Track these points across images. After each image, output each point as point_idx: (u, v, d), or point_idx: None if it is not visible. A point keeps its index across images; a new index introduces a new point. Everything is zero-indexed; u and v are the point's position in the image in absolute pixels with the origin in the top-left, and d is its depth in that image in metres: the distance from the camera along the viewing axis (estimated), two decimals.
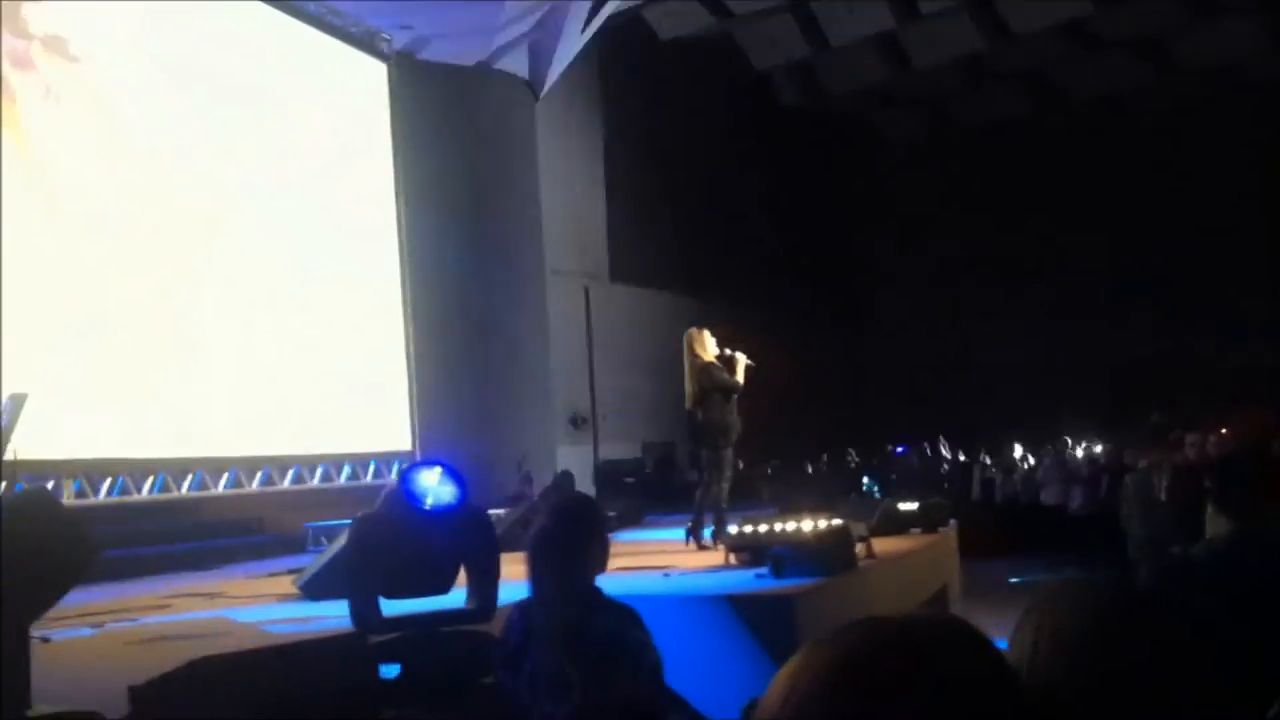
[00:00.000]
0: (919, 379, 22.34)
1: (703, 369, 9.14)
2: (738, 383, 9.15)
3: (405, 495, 4.28)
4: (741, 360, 9.28)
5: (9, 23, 9.67)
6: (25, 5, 9.92)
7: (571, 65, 16.61)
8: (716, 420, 9.11)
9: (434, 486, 4.30)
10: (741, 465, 11.80)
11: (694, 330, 9.31)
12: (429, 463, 4.51)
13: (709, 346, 9.22)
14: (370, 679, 3.82)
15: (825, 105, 23.11)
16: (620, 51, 17.78)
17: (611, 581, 7.29)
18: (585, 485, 14.17)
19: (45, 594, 3.57)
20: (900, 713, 1.01)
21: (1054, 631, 1.28)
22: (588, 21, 16.06)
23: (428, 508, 4.26)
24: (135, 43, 11.10)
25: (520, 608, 3.46)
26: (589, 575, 3.48)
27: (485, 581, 4.26)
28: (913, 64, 21.37)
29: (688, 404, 9.22)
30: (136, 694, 3.47)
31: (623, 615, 3.42)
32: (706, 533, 9.14)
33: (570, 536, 3.47)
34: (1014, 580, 12.17)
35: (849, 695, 1.02)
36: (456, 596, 4.37)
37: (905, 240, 24.08)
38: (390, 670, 4.04)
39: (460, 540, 4.27)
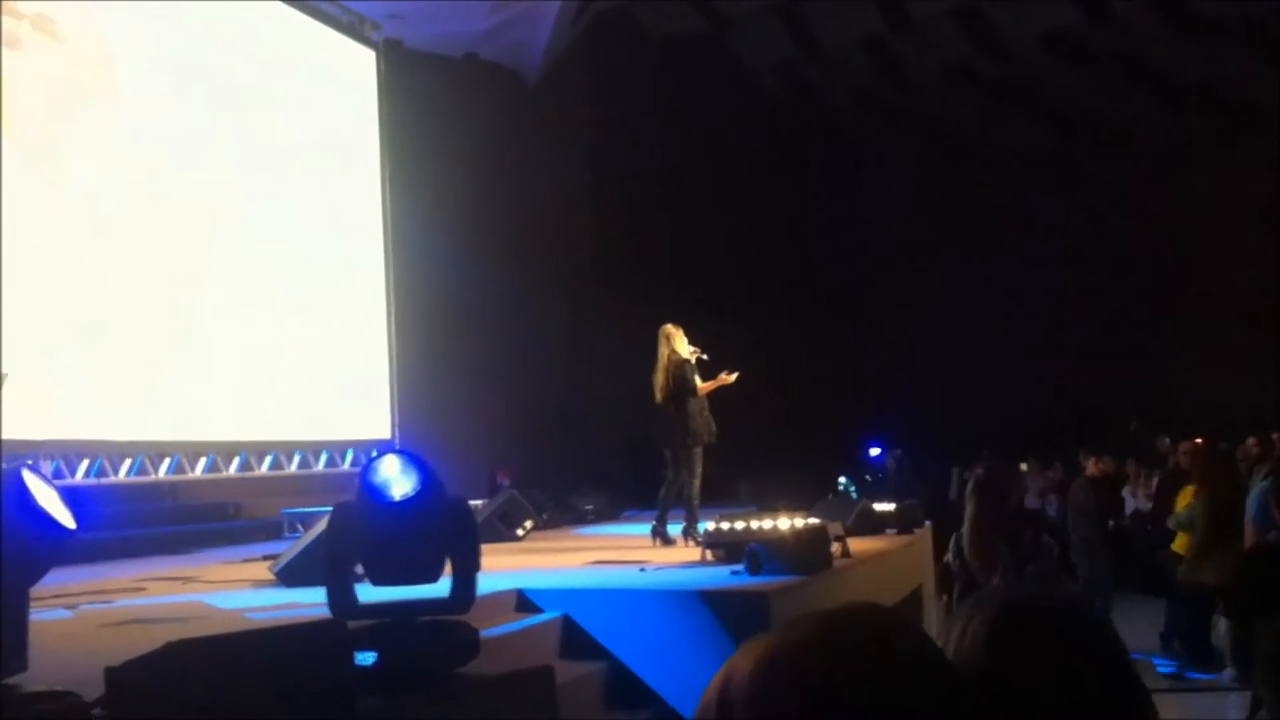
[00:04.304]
0: (900, 383, 22.42)
1: (678, 365, 9.19)
2: (695, 389, 9.19)
3: (366, 488, 4.28)
4: (727, 378, 9.35)
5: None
6: None
7: (559, 61, 16.59)
8: (684, 420, 9.16)
9: (395, 477, 4.29)
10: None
11: (670, 326, 9.36)
12: (386, 453, 4.52)
13: (684, 344, 9.28)
14: (346, 666, 3.83)
15: (814, 107, 23.13)
16: (609, 49, 17.76)
17: (589, 575, 7.36)
18: (565, 479, 14.18)
19: (21, 575, 3.58)
20: (837, 705, 1.05)
21: (958, 640, 1.37)
22: (577, 16, 16.06)
23: (397, 499, 4.26)
24: (123, 33, 11.08)
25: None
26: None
27: (464, 572, 4.28)
28: (901, 69, 21.43)
29: (657, 397, 9.27)
30: (112, 676, 3.47)
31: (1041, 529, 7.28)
32: (675, 529, 9.19)
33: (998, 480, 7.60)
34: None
35: (785, 688, 1.06)
36: (444, 585, 4.39)
37: (889, 244, 24.15)
38: (366, 658, 4.05)
39: (440, 529, 4.29)
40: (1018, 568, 8.23)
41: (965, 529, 8.54)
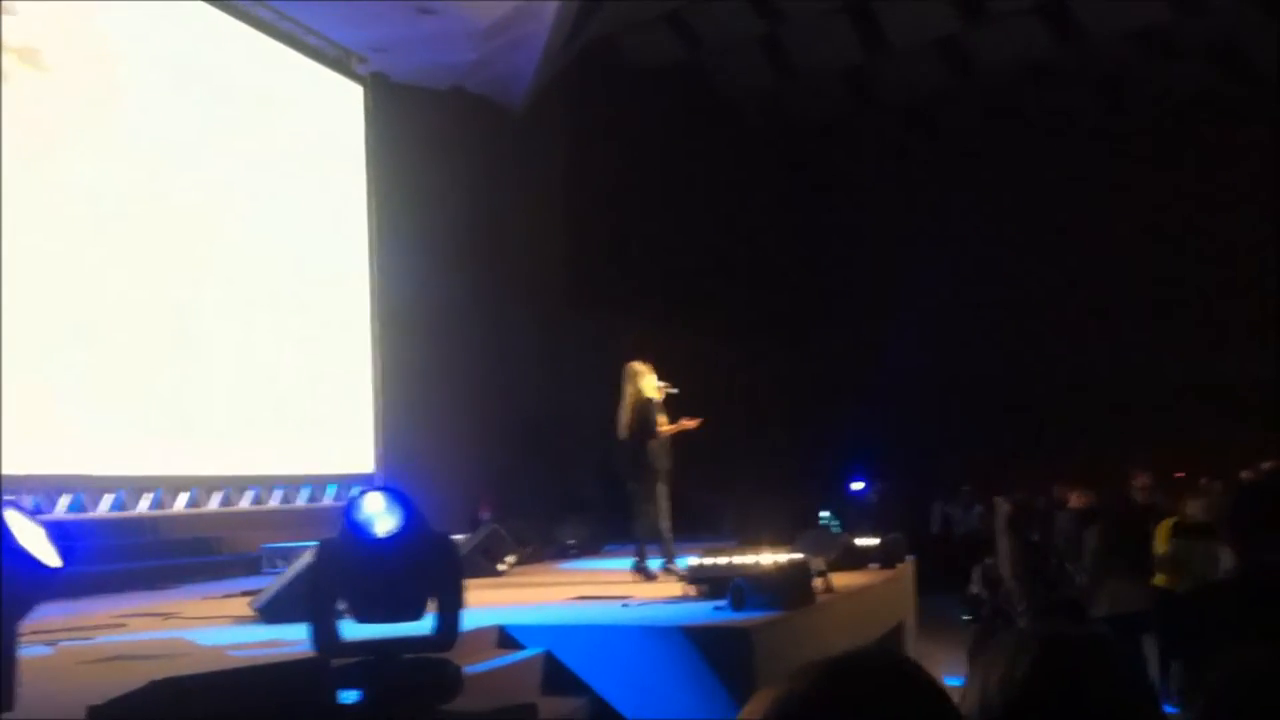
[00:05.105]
0: (882, 416, 22.45)
1: (642, 405, 9.23)
2: (656, 431, 9.24)
3: (349, 526, 4.28)
4: (690, 423, 9.41)
5: None
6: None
7: (544, 91, 16.69)
8: (646, 457, 9.20)
9: (379, 513, 4.30)
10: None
11: (637, 364, 9.40)
12: (370, 489, 4.52)
13: (651, 382, 9.32)
14: (330, 704, 3.83)
15: (792, 133, 23.31)
16: (590, 79, 17.87)
17: (571, 610, 7.35)
18: (547, 511, 14.15)
19: (4, 615, 3.57)
20: None
21: (1001, 677, 1.40)
22: (563, 47, 16.16)
23: (381, 535, 4.26)
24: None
25: None
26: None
27: (448, 609, 4.27)
28: (879, 95, 21.67)
29: (621, 433, 9.31)
30: (95, 713, 3.46)
31: None
32: (656, 564, 9.20)
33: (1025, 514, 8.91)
34: (966, 617, 12.23)
35: None
36: (427, 622, 4.39)
37: (872, 277, 24.22)
38: (350, 696, 4.04)
39: (425, 567, 4.29)
40: (1046, 594, 8.80)
41: (1003, 562, 9.16)
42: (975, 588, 10.29)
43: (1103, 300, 22.34)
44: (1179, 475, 14.97)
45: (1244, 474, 13.36)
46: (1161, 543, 9.73)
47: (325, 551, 4.44)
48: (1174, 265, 21.90)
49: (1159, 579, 9.75)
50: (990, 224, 22.95)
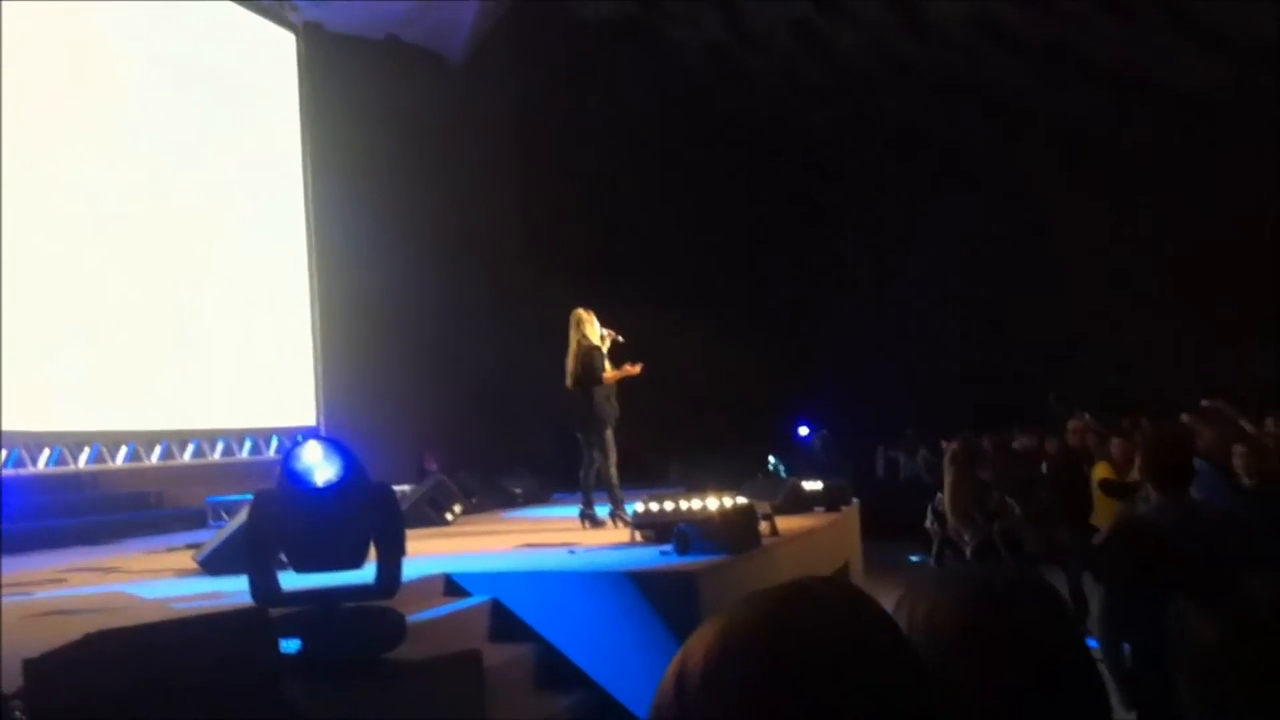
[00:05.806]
0: (827, 364, 22.58)
1: (586, 352, 9.20)
2: (601, 377, 9.19)
3: (288, 475, 4.25)
4: (632, 369, 9.38)
5: None
6: None
7: (485, 42, 16.48)
8: (592, 405, 9.18)
9: (318, 463, 4.26)
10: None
11: (581, 311, 9.35)
12: (309, 439, 4.49)
13: (595, 330, 9.28)
14: (270, 653, 3.80)
15: (743, 89, 23.18)
16: (535, 30, 17.66)
17: (517, 558, 7.35)
18: (494, 463, 14.13)
19: None
20: (795, 682, 1.04)
21: (927, 616, 1.38)
22: None
23: (320, 484, 4.23)
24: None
25: None
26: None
27: (389, 558, 4.26)
28: (832, 51, 21.58)
29: (568, 382, 9.28)
30: (31, 668, 3.42)
31: None
32: (602, 511, 9.22)
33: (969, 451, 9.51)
34: (914, 558, 12.40)
35: (741, 667, 1.05)
36: (369, 571, 4.37)
37: (817, 227, 24.26)
38: (290, 645, 4.02)
39: (364, 515, 4.26)
40: (987, 525, 9.32)
41: (945, 495, 9.73)
42: (928, 522, 10.93)
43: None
44: (1122, 419, 15.17)
45: (1184, 417, 13.53)
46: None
47: (263, 502, 4.41)
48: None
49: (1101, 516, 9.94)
50: (940, 178, 22.98)
